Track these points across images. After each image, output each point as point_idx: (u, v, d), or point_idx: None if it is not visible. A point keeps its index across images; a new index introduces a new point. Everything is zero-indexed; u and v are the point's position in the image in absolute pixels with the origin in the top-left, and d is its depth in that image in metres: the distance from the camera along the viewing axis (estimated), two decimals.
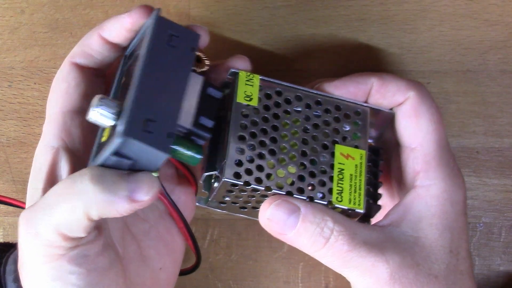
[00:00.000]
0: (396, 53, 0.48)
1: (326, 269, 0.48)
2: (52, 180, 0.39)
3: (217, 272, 0.48)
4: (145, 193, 0.35)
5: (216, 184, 0.41)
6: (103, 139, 0.37)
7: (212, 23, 0.48)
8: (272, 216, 0.39)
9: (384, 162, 0.44)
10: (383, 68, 0.47)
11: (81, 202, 0.35)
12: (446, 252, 0.40)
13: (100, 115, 0.35)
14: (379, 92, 0.42)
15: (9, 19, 0.48)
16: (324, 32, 0.48)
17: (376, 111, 0.43)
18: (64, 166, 0.39)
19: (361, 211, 0.41)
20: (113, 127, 0.36)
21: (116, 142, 0.34)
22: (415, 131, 0.41)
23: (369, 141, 0.44)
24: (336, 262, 0.39)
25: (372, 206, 0.43)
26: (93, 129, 0.39)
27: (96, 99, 0.35)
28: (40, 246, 0.36)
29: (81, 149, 0.40)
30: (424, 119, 0.41)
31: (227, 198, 0.42)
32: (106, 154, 0.35)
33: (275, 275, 0.48)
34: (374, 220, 0.42)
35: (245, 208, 0.43)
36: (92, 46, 0.41)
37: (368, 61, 0.47)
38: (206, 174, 0.42)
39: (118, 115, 0.35)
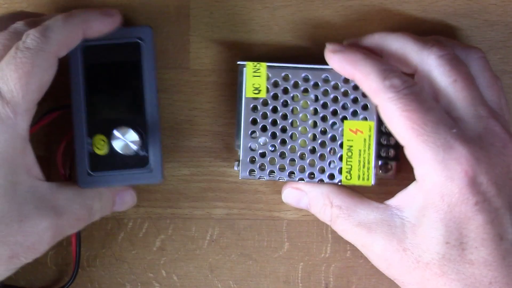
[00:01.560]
0: None
1: (326, 269, 0.48)
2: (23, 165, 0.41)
3: (217, 272, 0.49)
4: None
5: (237, 169, 0.46)
6: (100, 152, 0.44)
7: (212, 23, 0.48)
8: (286, 201, 0.46)
9: None
10: None
11: None
12: (440, 244, 0.40)
13: (130, 149, 0.43)
14: (361, 89, 0.44)
15: None
16: (324, 32, 0.48)
17: None
18: (31, 157, 0.42)
19: (370, 185, 0.44)
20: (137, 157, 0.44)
21: (156, 181, 0.45)
22: (395, 135, 0.42)
23: None
24: (341, 235, 0.44)
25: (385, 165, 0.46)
26: None
27: (132, 134, 0.43)
28: None
29: None
30: (395, 124, 0.41)
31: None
32: (129, 182, 0.45)
33: (275, 275, 0.48)
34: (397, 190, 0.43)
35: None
36: (74, 41, 0.42)
37: None
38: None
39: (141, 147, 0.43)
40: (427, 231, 0.41)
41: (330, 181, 0.45)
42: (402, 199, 0.42)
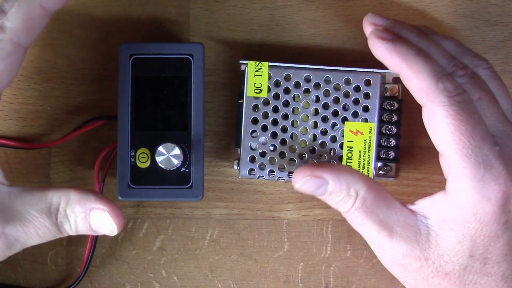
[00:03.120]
0: None
1: (326, 269, 0.48)
2: None
3: (217, 272, 0.48)
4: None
5: (237, 168, 0.46)
6: (142, 165, 0.44)
7: (212, 23, 0.48)
8: (300, 188, 0.42)
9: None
10: (384, 67, 0.47)
11: None
12: (464, 257, 0.40)
13: (171, 163, 0.43)
14: (405, 84, 0.42)
15: None
16: (324, 32, 0.48)
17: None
18: None
19: None
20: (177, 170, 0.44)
21: (196, 199, 0.44)
22: (435, 140, 0.41)
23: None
24: (355, 227, 0.42)
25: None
26: None
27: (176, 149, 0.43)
28: None
29: None
30: (440, 130, 0.40)
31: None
32: (168, 197, 0.44)
33: (275, 275, 0.48)
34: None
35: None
36: (36, 21, 0.40)
37: (368, 61, 0.47)
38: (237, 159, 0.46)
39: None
40: (453, 244, 0.40)
41: None
42: (428, 207, 0.41)
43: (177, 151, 0.43)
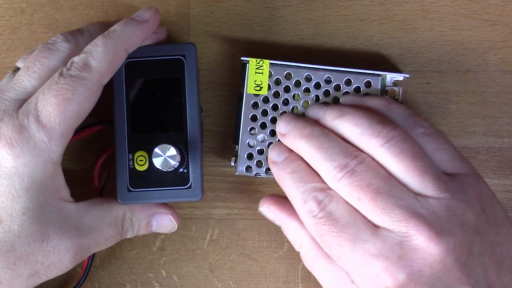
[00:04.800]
0: (396, 53, 0.48)
1: None
2: (52, 193, 0.41)
3: (217, 272, 0.49)
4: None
5: (234, 164, 0.46)
6: (140, 168, 0.44)
7: (212, 23, 0.48)
8: (263, 215, 0.46)
9: None
10: (384, 68, 0.47)
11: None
12: None
13: (169, 164, 0.43)
14: None
15: (9, 19, 0.48)
16: (324, 32, 0.48)
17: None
18: (61, 180, 0.42)
19: None
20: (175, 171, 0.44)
21: (195, 199, 0.44)
22: None
23: None
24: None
25: None
26: None
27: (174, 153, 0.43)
28: None
29: None
30: (320, 243, 0.42)
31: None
32: (169, 199, 0.44)
33: (275, 275, 0.48)
34: None
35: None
36: (118, 64, 0.42)
37: (368, 61, 0.48)
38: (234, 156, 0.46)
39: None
40: None
41: None
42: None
43: (173, 151, 0.43)
